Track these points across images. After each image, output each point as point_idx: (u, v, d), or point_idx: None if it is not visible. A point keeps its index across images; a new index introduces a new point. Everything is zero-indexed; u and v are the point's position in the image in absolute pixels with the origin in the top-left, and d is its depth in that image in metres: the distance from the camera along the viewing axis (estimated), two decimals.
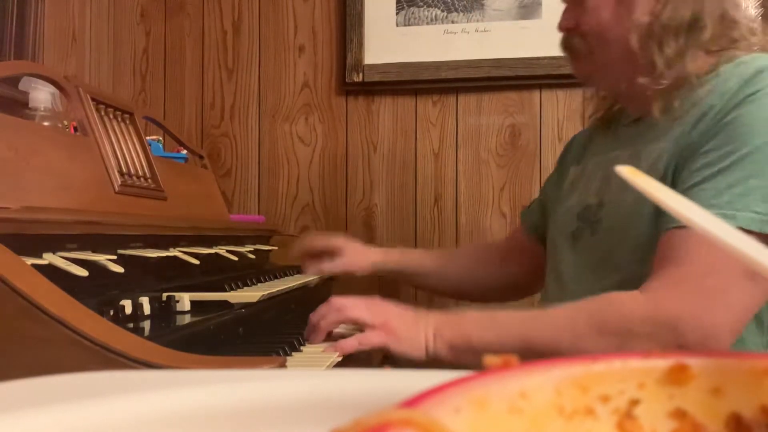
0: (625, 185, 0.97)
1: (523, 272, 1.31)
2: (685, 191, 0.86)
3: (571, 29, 1.02)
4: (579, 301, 0.87)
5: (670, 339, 0.80)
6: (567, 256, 1.07)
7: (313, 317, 0.96)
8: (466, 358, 0.90)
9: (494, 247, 1.40)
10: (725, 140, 0.85)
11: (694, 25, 0.93)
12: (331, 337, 0.95)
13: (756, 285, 0.81)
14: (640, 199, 0.92)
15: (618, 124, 1.09)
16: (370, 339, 0.90)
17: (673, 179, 0.89)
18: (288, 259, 1.48)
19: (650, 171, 0.92)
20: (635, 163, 0.96)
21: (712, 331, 0.80)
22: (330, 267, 1.34)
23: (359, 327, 0.94)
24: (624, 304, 0.84)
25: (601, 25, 0.97)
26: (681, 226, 0.83)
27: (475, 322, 0.92)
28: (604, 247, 0.98)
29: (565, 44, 1.05)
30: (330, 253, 1.36)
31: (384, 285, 1.65)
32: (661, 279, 0.83)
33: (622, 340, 0.82)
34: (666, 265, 0.84)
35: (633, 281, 0.89)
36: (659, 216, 0.89)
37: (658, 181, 0.96)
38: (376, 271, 1.35)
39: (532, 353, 0.86)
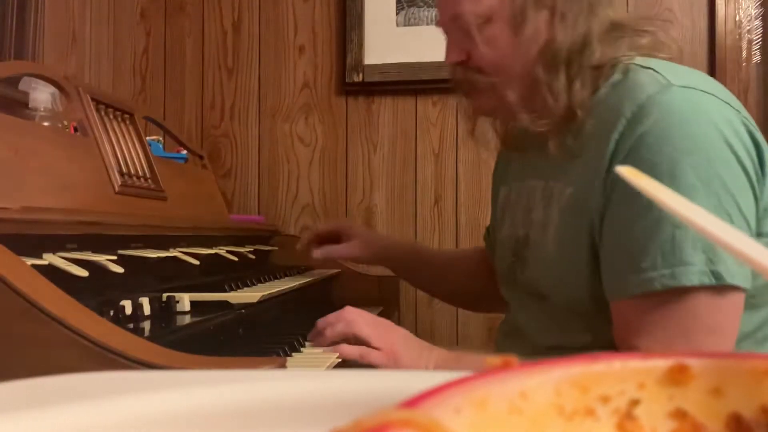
0: (545, 225, 0.94)
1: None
2: (612, 252, 0.83)
3: (462, 63, 0.94)
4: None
5: None
6: (509, 289, 1.07)
7: (320, 323, 0.94)
8: None
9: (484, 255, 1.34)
10: (632, 194, 0.77)
11: (584, 48, 0.87)
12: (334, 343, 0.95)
13: (720, 335, 0.80)
14: (562, 248, 0.90)
15: (530, 149, 1.01)
16: (371, 357, 0.90)
17: (592, 230, 0.86)
18: (292, 256, 1.45)
19: (564, 215, 0.90)
20: (549, 198, 0.93)
21: None
22: (337, 250, 1.27)
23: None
24: None
25: (498, 58, 0.90)
26: (637, 295, 0.80)
27: (471, 368, 0.91)
28: (534, 286, 0.97)
29: (459, 79, 0.96)
30: (337, 239, 1.30)
31: (384, 286, 1.64)
32: (648, 341, 0.81)
33: None
34: (638, 336, 0.81)
35: (566, 311, 0.91)
36: (594, 275, 0.86)
37: (578, 231, 0.86)
38: (383, 258, 1.31)
39: None
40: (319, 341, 0.93)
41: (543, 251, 0.94)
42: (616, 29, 0.89)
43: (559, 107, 0.87)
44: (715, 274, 0.77)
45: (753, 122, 0.85)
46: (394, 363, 0.90)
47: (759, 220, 0.83)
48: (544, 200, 0.95)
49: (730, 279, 0.78)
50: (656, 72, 0.84)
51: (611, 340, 0.85)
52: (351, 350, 0.90)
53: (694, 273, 0.78)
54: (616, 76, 0.87)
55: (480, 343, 1.81)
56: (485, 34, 0.89)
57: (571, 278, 0.89)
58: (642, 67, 0.86)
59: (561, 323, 0.94)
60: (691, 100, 0.82)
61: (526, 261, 0.99)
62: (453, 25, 0.93)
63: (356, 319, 0.93)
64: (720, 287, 0.78)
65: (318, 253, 1.26)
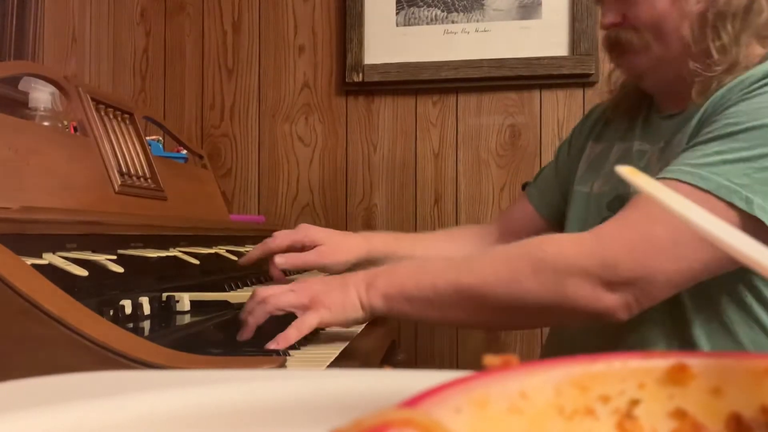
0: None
1: None
2: (680, 152, 0.87)
3: (617, 24, 0.97)
4: (517, 242, 0.86)
5: (605, 276, 0.79)
6: None
7: (242, 316, 0.88)
8: (401, 308, 0.86)
9: (490, 230, 1.25)
10: (732, 115, 0.85)
11: (749, 9, 0.91)
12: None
13: (712, 250, 0.79)
14: None
15: (649, 114, 1.06)
16: (306, 322, 0.84)
17: None
18: (240, 265, 1.19)
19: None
20: (666, 155, 0.95)
21: (649, 274, 0.79)
22: (303, 258, 1.08)
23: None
24: (563, 243, 0.84)
25: (655, 17, 0.93)
26: (668, 179, 0.83)
27: (408, 271, 0.88)
28: None
29: (613, 41, 0.99)
30: (301, 249, 1.11)
31: None
32: (614, 221, 0.83)
33: (557, 278, 0.80)
34: (623, 210, 0.84)
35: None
36: None
37: None
38: (360, 261, 1.11)
39: (467, 297, 0.83)
40: (244, 333, 0.86)
41: None
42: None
43: (723, 61, 0.90)
44: (748, 201, 0.79)
45: None
46: (325, 309, 0.85)
47: None
48: (662, 162, 0.95)
49: (760, 213, 0.79)
50: None
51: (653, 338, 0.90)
52: (289, 334, 0.82)
53: (728, 189, 0.79)
54: None
55: (479, 337, 1.81)
56: None
57: None
58: None
59: None
60: None
61: None
62: None
63: (269, 294, 0.87)
64: (748, 215, 0.79)
65: (280, 260, 1.06)
